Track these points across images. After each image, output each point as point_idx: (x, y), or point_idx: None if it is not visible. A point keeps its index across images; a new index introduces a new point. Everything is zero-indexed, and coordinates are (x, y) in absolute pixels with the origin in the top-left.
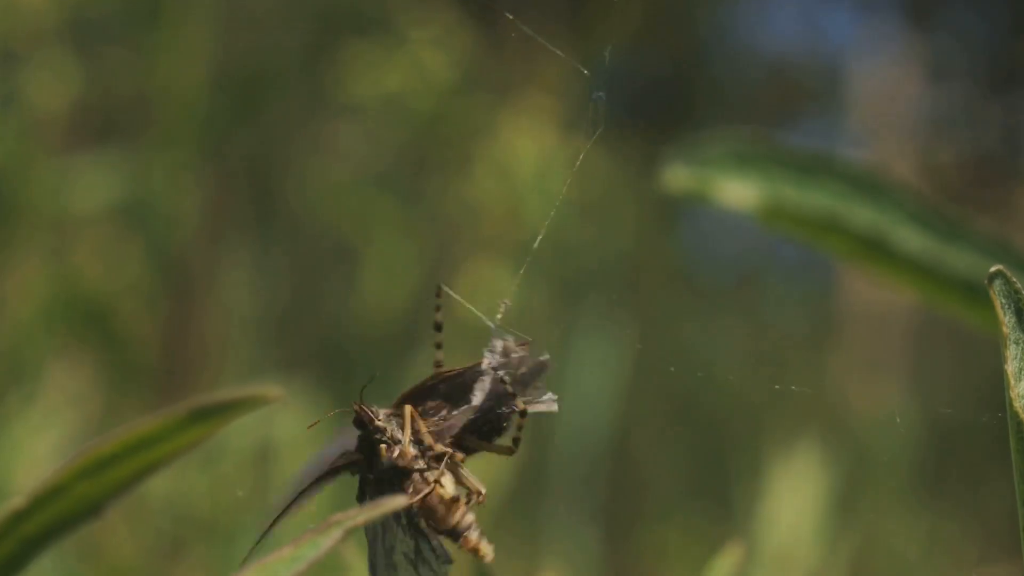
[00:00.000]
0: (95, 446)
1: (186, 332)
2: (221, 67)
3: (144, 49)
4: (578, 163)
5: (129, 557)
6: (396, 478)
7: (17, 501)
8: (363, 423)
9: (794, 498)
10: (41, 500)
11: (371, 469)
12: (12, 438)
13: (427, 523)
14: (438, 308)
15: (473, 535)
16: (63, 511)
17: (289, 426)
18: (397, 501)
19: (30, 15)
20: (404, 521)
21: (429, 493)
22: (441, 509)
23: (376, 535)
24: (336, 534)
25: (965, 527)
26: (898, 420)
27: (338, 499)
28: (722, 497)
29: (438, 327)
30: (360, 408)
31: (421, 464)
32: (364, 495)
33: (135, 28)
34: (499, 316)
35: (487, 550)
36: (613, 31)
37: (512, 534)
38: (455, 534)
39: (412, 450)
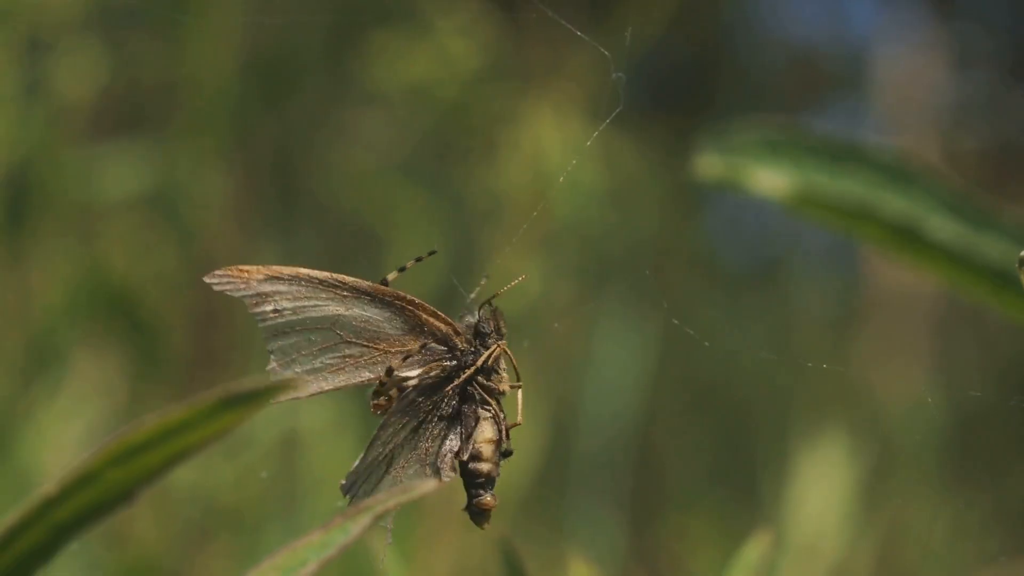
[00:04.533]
0: (126, 433)
1: (212, 321)
2: (247, 55)
3: (171, 37)
4: (589, 142)
5: (154, 546)
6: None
7: (48, 488)
8: (493, 325)
9: (820, 485)
10: (72, 487)
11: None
12: (39, 426)
13: (467, 454)
14: (431, 253)
15: (490, 499)
16: (94, 498)
17: (314, 416)
18: (427, 486)
19: (57, 2)
20: (439, 431)
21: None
22: (490, 447)
23: (407, 421)
24: (365, 520)
25: (991, 514)
26: (930, 401)
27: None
28: (748, 484)
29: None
30: (495, 315)
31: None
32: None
33: (162, 15)
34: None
35: (487, 520)
36: (640, 18)
37: (537, 521)
38: (483, 481)
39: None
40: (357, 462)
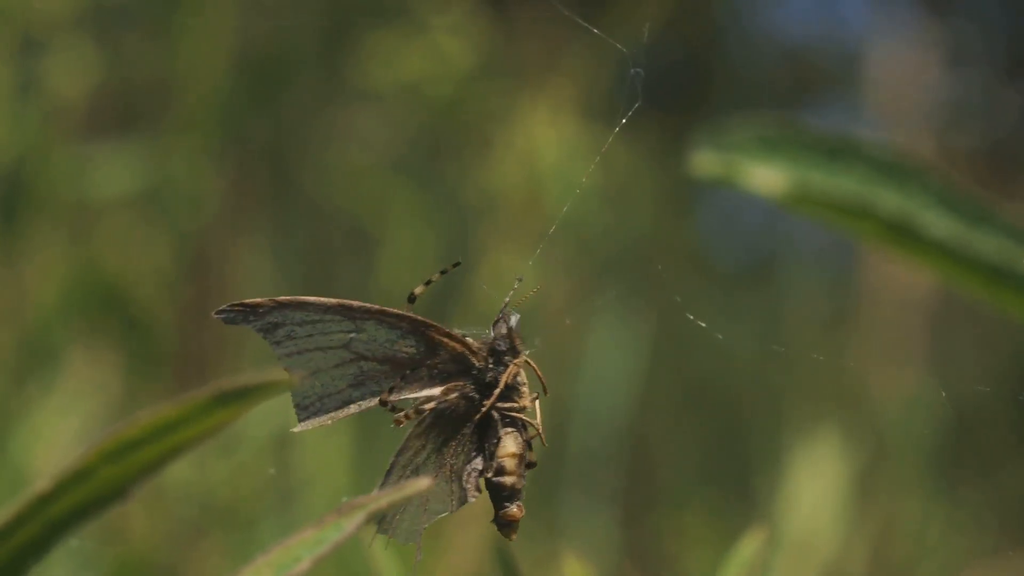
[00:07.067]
0: (120, 429)
1: (206, 318)
2: (240, 53)
3: (163, 35)
4: (609, 141)
5: (149, 543)
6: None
7: (42, 484)
8: (508, 343)
9: (813, 483)
10: (66, 483)
11: (476, 388)
12: (33, 423)
13: (493, 470)
14: (443, 272)
15: (516, 509)
16: (88, 495)
17: None
18: (420, 484)
19: (49, 1)
20: (463, 450)
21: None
22: (513, 461)
23: (427, 442)
24: (359, 517)
25: (985, 511)
26: (942, 394)
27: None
28: (742, 482)
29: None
30: (513, 332)
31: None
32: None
33: (154, 14)
34: (512, 292)
35: (514, 531)
36: (635, 16)
37: (531, 518)
38: (509, 493)
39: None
40: (378, 489)
